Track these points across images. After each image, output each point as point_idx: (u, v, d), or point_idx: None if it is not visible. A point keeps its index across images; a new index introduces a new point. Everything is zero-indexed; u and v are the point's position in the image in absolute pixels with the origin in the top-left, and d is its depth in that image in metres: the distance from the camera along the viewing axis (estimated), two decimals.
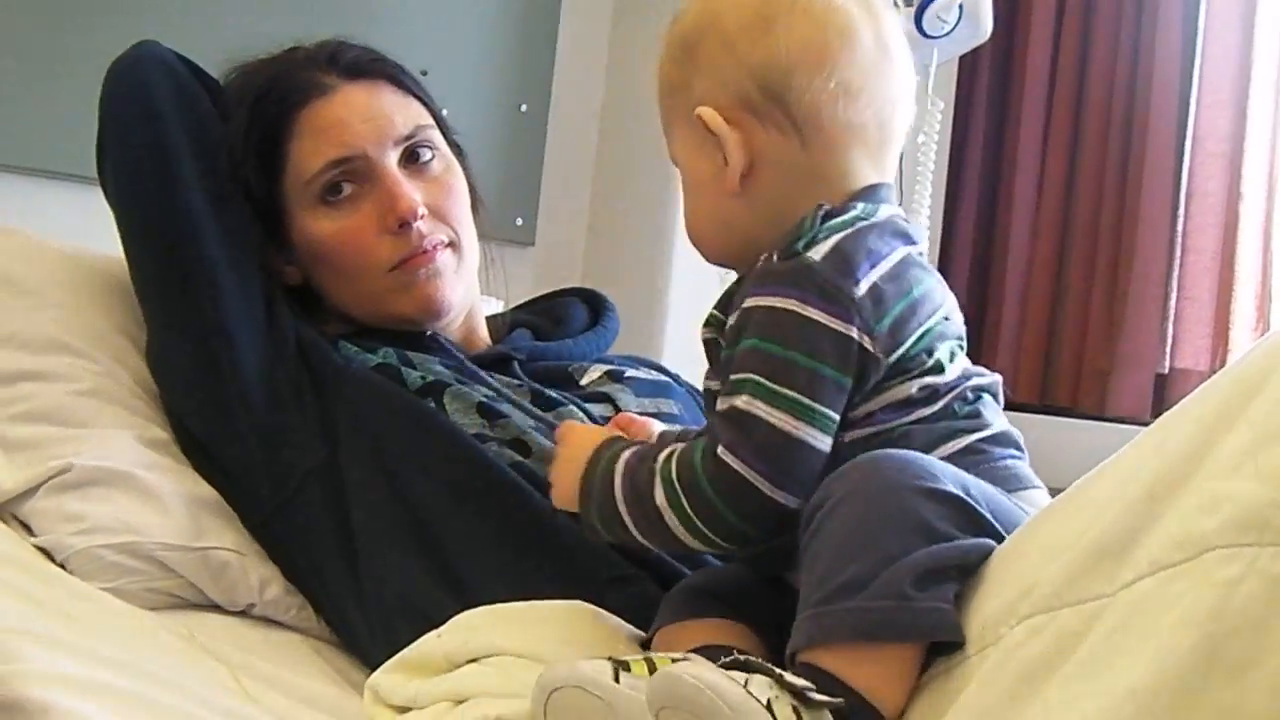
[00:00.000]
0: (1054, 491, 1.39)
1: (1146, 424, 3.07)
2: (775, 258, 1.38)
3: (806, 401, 1.30)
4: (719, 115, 1.41)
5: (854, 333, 1.31)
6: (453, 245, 1.94)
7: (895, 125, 1.46)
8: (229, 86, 1.98)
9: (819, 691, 1.12)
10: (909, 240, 1.41)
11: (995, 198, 3.82)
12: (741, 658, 1.16)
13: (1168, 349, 3.48)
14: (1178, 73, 3.48)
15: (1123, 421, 3.46)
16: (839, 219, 1.38)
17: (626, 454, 1.40)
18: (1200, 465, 0.96)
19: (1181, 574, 0.93)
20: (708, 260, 1.52)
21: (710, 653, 1.27)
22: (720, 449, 1.33)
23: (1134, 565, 0.97)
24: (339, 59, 1.96)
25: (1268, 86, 3.33)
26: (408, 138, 1.93)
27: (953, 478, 1.23)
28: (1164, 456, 1.00)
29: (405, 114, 1.95)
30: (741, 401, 1.32)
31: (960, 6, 2.43)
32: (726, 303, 1.43)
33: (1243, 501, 0.92)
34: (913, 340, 1.35)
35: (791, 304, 1.32)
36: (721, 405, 1.36)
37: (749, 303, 1.36)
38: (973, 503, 1.22)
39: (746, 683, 1.10)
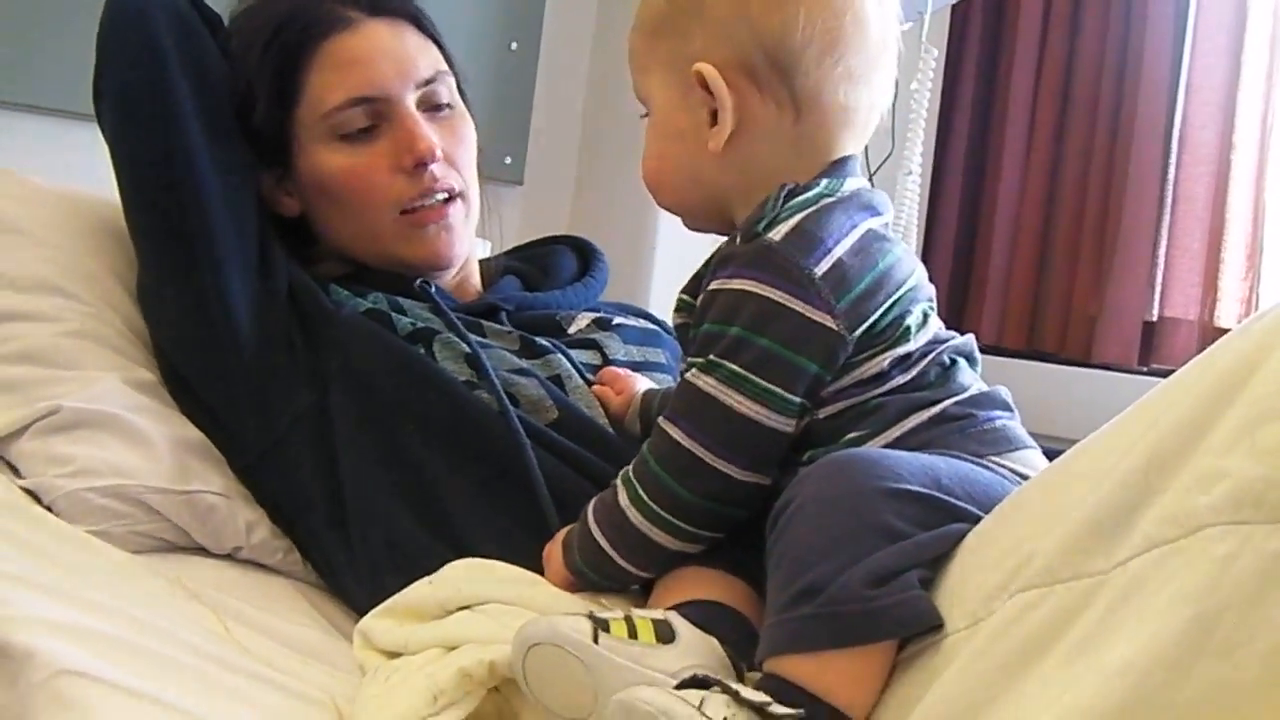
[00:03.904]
0: (1041, 439, 1.39)
1: (1134, 372, 3.10)
2: (738, 240, 1.39)
3: (762, 382, 1.32)
4: (719, 75, 1.40)
5: (815, 313, 1.31)
6: (462, 195, 1.94)
7: (879, 110, 1.47)
8: (238, 17, 1.97)
9: (779, 703, 1.11)
10: (874, 212, 1.41)
11: (985, 145, 3.82)
12: (701, 674, 1.16)
13: (1156, 297, 3.49)
14: (1171, 20, 3.48)
15: (1109, 369, 3.47)
16: (801, 197, 1.38)
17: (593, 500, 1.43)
18: (1197, 441, 0.96)
19: (1176, 551, 0.93)
20: (661, 205, 1.52)
21: (695, 610, 1.28)
22: (662, 420, 1.36)
23: (1129, 542, 0.97)
24: None
25: (1262, 35, 3.33)
26: (428, 81, 1.93)
27: (920, 472, 1.22)
28: (1160, 431, 0.99)
29: (427, 57, 1.96)
30: (696, 379, 1.34)
31: None
32: (695, 286, 1.43)
33: (1239, 478, 0.91)
34: (881, 312, 1.35)
35: (751, 285, 1.33)
36: (678, 384, 1.38)
37: (712, 286, 1.36)
38: (941, 495, 1.21)
39: (702, 703, 1.10)
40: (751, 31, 1.39)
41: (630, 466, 1.40)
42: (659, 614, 1.25)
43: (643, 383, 1.77)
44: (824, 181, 1.40)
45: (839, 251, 1.33)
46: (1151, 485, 0.98)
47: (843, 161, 1.44)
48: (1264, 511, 0.89)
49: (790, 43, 1.39)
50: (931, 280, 1.47)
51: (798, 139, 1.42)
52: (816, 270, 1.31)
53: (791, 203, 1.38)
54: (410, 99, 1.91)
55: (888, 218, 1.44)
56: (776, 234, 1.35)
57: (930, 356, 1.38)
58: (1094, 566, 1.00)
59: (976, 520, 1.20)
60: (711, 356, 1.33)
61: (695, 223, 1.51)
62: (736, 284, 1.34)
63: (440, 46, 2.00)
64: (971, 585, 1.12)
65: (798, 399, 1.32)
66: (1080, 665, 0.95)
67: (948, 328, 1.46)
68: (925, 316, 1.41)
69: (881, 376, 1.35)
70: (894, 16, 1.46)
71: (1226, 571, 0.89)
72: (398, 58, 1.92)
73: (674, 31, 1.45)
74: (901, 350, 1.36)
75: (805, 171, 1.41)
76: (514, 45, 3.40)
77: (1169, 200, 3.48)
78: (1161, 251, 3.49)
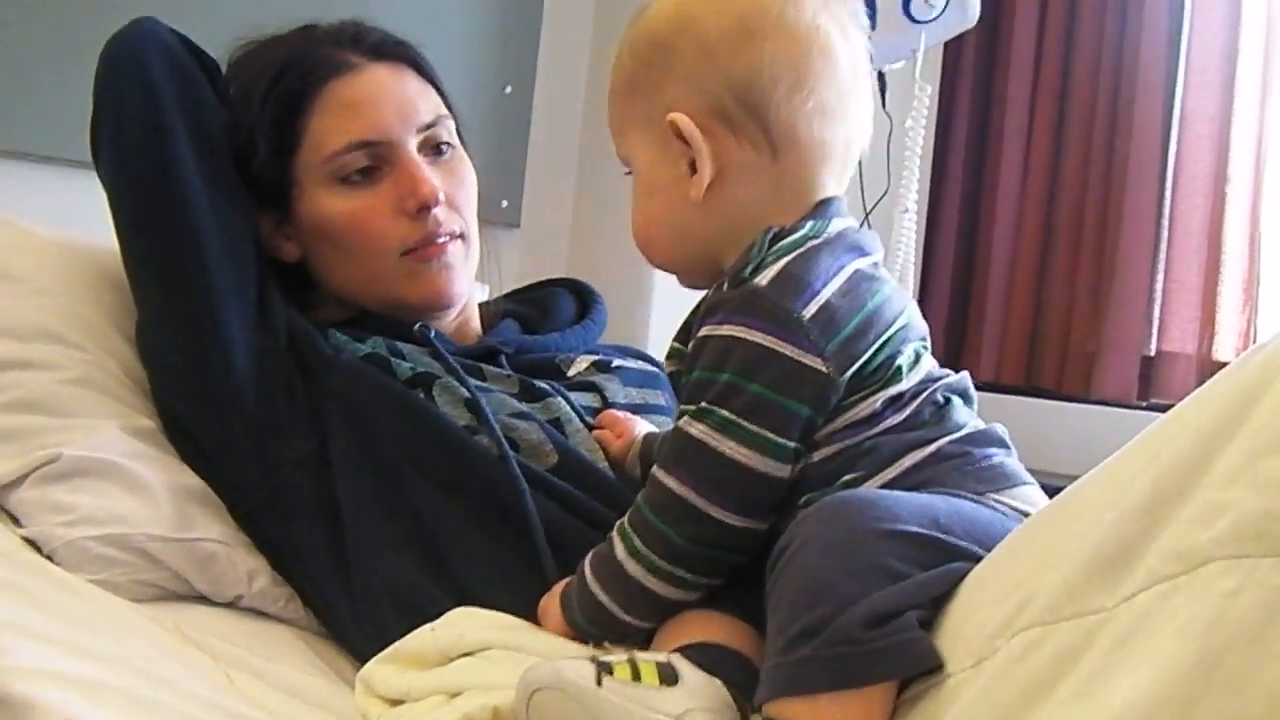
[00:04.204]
0: (1040, 475, 1.39)
1: (1133, 407, 3.09)
2: (725, 285, 1.39)
3: (754, 428, 1.32)
4: (693, 124, 1.40)
5: (804, 356, 1.31)
6: (463, 237, 1.95)
7: (857, 146, 1.48)
8: (236, 62, 1.98)
9: None
10: (862, 252, 1.41)
11: (981, 181, 3.83)
12: (705, 716, 1.16)
13: (1154, 332, 3.49)
14: (1164, 55, 3.49)
15: (1109, 404, 3.47)
16: (787, 240, 1.39)
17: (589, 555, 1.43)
18: (1198, 476, 0.96)
19: (1180, 586, 0.93)
20: (654, 265, 1.53)
21: (698, 652, 1.27)
22: (656, 469, 1.36)
23: (1132, 578, 0.97)
24: (363, 39, 1.97)
25: (1254, 68, 3.34)
26: (429, 125, 1.94)
27: (918, 512, 1.21)
28: (1161, 466, 0.99)
29: (427, 101, 1.96)
30: (688, 426, 1.34)
31: None
32: (686, 333, 1.43)
33: (1241, 512, 0.91)
34: (871, 352, 1.35)
35: (739, 331, 1.33)
36: (671, 432, 1.38)
37: (701, 333, 1.37)
38: (940, 535, 1.20)
39: None
40: (720, 76, 1.40)
41: (625, 518, 1.39)
42: (662, 656, 1.25)
43: (643, 425, 1.77)
44: (809, 224, 1.41)
45: (826, 293, 1.34)
46: (1154, 520, 0.97)
47: (827, 203, 1.44)
48: (1267, 544, 0.89)
49: (758, 82, 1.39)
50: (928, 317, 1.47)
51: (778, 179, 1.42)
52: (804, 313, 1.32)
53: (777, 246, 1.38)
54: (412, 143, 1.91)
55: (876, 257, 1.44)
56: (763, 278, 1.35)
57: (923, 395, 1.38)
58: (1097, 603, 0.99)
59: (977, 559, 1.19)
60: (703, 403, 1.34)
61: (690, 279, 1.50)
62: (725, 330, 1.34)
63: (440, 90, 2.01)
64: (974, 624, 1.11)
65: (791, 443, 1.32)
66: (1085, 705, 0.95)
67: (946, 365, 1.46)
68: (917, 356, 1.41)
69: (875, 417, 1.35)
70: (863, 48, 1.47)
71: (1231, 606, 0.89)
72: (399, 102, 1.92)
73: (646, 88, 1.46)
74: (894, 390, 1.36)
75: (790, 214, 1.42)
76: (509, 89, 3.41)
77: (1165, 234, 3.48)
78: (1158, 286, 3.49)
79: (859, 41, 1.46)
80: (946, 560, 1.19)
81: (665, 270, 1.53)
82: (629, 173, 1.50)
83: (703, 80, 1.41)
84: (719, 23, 1.42)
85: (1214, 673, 0.88)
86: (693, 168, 1.42)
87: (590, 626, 1.41)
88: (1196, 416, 1.00)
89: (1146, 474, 1.00)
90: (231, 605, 1.77)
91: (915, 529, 1.20)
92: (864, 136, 1.48)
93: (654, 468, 1.38)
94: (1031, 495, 1.35)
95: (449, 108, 2.00)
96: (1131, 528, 0.99)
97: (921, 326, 1.45)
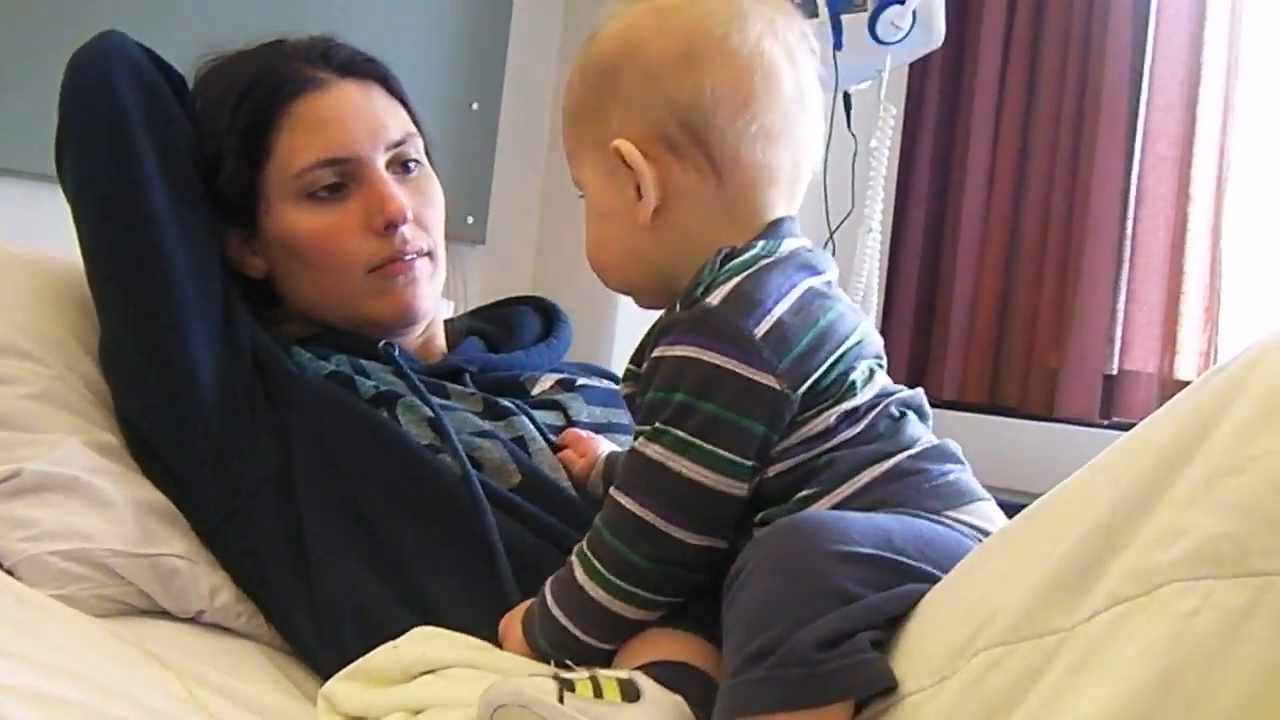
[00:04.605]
0: (1002, 493, 1.40)
1: (1095, 425, 3.11)
2: (678, 306, 1.40)
3: (709, 447, 1.32)
4: (635, 149, 1.41)
5: (757, 374, 1.32)
6: (430, 254, 1.95)
7: (806, 166, 1.48)
8: (203, 77, 1.97)
9: None
10: (814, 271, 1.42)
11: (945, 201, 3.84)
12: None
13: (1116, 351, 3.51)
14: (1127, 75, 3.51)
15: (1071, 423, 3.48)
16: (738, 260, 1.39)
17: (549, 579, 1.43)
18: (1157, 497, 0.96)
19: (1139, 608, 0.94)
20: (610, 287, 1.53)
21: (660, 670, 1.28)
22: (613, 490, 1.37)
23: (1092, 599, 0.98)
24: (332, 56, 1.96)
25: (1216, 89, 3.36)
26: (398, 143, 1.94)
27: (872, 533, 1.22)
28: (1121, 488, 1.00)
29: (396, 119, 1.96)
30: (644, 448, 1.35)
31: (914, 13, 2.43)
32: (640, 355, 1.43)
33: (1199, 534, 0.92)
34: (825, 369, 1.36)
35: (691, 351, 1.34)
36: (627, 453, 1.38)
37: (655, 354, 1.37)
38: (894, 556, 1.21)
39: None
40: (663, 101, 1.41)
41: (584, 541, 1.40)
42: (625, 673, 1.25)
43: (605, 445, 1.77)
44: (760, 243, 1.41)
45: (779, 311, 1.34)
46: (1113, 542, 0.98)
47: (779, 222, 1.45)
48: (1224, 567, 0.90)
49: (700, 107, 1.40)
50: (892, 336, 1.49)
51: (726, 203, 1.43)
52: (756, 331, 1.32)
53: (728, 266, 1.39)
54: (380, 160, 1.91)
55: (829, 276, 1.45)
56: (714, 298, 1.35)
57: (878, 409, 1.38)
58: (1057, 624, 1.00)
59: (932, 580, 1.20)
60: (658, 424, 1.34)
61: (646, 300, 1.51)
62: (678, 350, 1.34)
63: (408, 108, 2.01)
64: (933, 644, 1.12)
65: (748, 461, 1.33)
66: None
67: (909, 384, 1.47)
68: (871, 372, 1.42)
69: (829, 432, 1.36)
70: (811, 71, 1.47)
71: (1188, 628, 0.90)
72: (368, 119, 1.92)
73: (594, 114, 1.47)
74: (848, 405, 1.37)
75: (741, 235, 1.42)
76: (475, 105, 3.41)
77: (1127, 253, 3.49)
78: (1120, 305, 3.50)
79: (806, 64, 1.47)
80: (901, 581, 1.19)
81: (621, 292, 1.54)
82: (582, 196, 1.51)
83: (646, 105, 1.42)
84: (663, 47, 1.43)
85: (1172, 693, 0.89)
86: (639, 192, 1.43)
87: (552, 649, 1.40)
88: (1157, 437, 1.01)
89: (1106, 495, 1.01)
90: (194, 620, 1.76)
91: (869, 550, 1.20)
92: (813, 158, 1.49)
93: (611, 489, 1.38)
94: (988, 511, 1.36)
95: (417, 125, 2.00)
96: (1091, 548, 1.00)
97: (877, 344, 1.46)
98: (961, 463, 1.40)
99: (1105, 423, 3.48)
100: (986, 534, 1.30)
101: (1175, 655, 0.89)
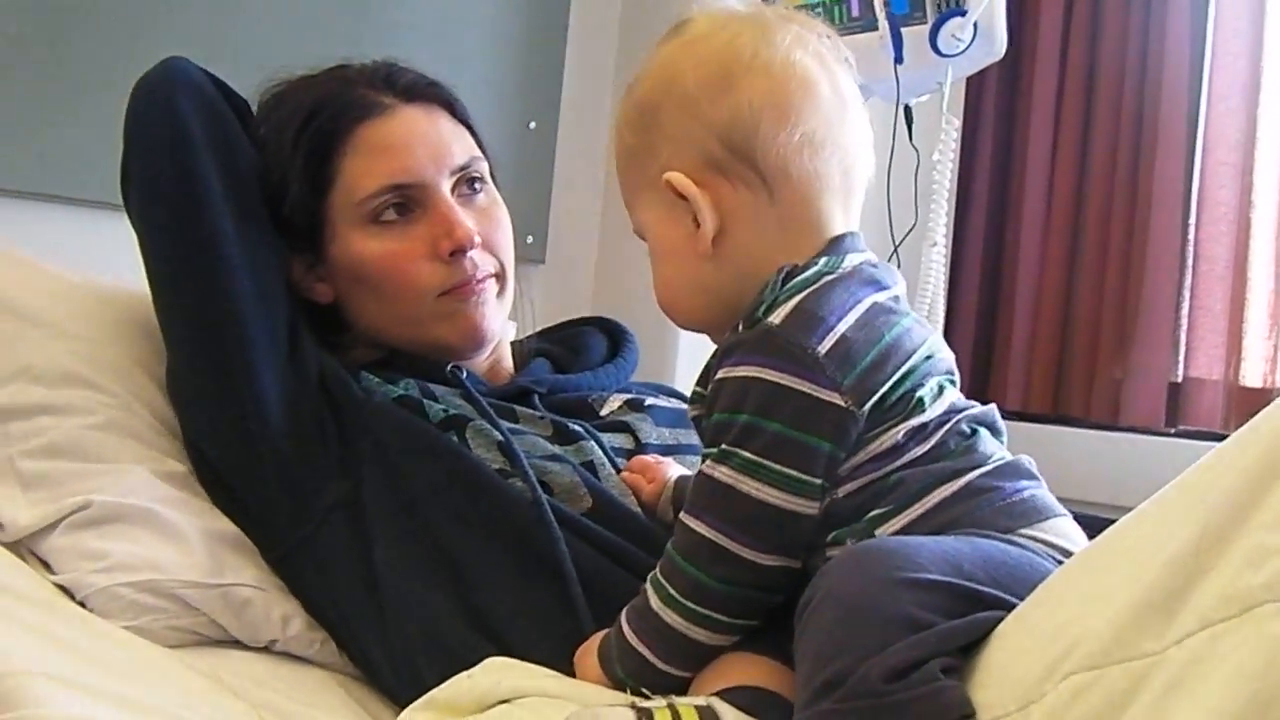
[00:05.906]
0: (1070, 504, 1.38)
1: (1161, 434, 3.08)
2: (740, 327, 1.40)
3: (777, 467, 1.32)
4: (687, 178, 1.42)
5: (821, 391, 1.31)
6: (498, 276, 1.95)
7: (858, 174, 1.48)
8: (266, 103, 1.97)
9: None
10: (879, 286, 1.42)
11: (1005, 212, 3.82)
12: None
13: (1181, 358, 3.48)
14: (1186, 82, 3.48)
15: (1137, 431, 3.46)
16: (800, 278, 1.39)
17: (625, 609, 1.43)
18: (1246, 517, 0.95)
19: (1231, 630, 0.93)
20: (681, 326, 1.54)
21: (737, 695, 1.27)
22: (684, 515, 1.36)
23: (1182, 622, 0.97)
24: (395, 81, 1.96)
25: (1277, 94, 3.33)
26: (463, 168, 1.94)
27: (941, 559, 1.20)
28: (1208, 507, 0.99)
29: (461, 144, 1.96)
30: (712, 470, 1.35)
31: (975, 25, 2.42)
32: (706, 377, 1.43)
33: None
34: (891, 384, 1.35)
35: (754, 371, 1.34)
36: (695, 477, 1.38)
37: (719, 375, 1.37)
38: (963, 582, 1.19)
39: None
40: (705, 126, 1.42)
41: (657, 568, 1.40)
42: (702, 700, 1.25)
43: (674, 469, 1.76)
44: (822, 260, 1.41)
45: (841, 328, 1.34)
46: (1202, 563, 0.97)
47: (841, 239, 1.45)
48: None
49: (741, 123, 1.41)
50: (954, 348, 1.47)
51: (781, 218, 1.43)
52: (820, 348, 1.32)
53: (790, 284, 1.39)
54: (446, 185, 1.91)
55: (896, 290, 1.44)
56: (776, 317, 1.35)
57: (948, 426, 1.38)
58: (1147, 647, 0.99)
59: (1004, 606, 1.18)
60: (724, 445, 1.34)
61: (719, 335, 1.50)
62: (741, 371, 1.34)
63: (473, 131, 2.01)
64: (1018, 669, 1.10)
65: (817, 480, 1.32)
66: None
67: (973, 396, 1.46)
68: (941, 388, 1.41)
69: (897, 449, 1.35)
70: (847, 77, 1.48)
71: None
72: (433, 144, 1.92)
73: (643, 155, 1.48)
74: (916, 421, 1.36)
75: (802, 252, 1.42)
76: (533, 124, 3.41)
77: (1190, 260, 3.47)
78: (1184, 312, 3.48)
79: (840, 71, 1.47)
80: (971, 608, 1.18)
81: (692, 329, 1.54)
82: (646, 240, 1.52)
83: (690, 134, 1.43)
84: (697, 75, 1.44)
85: (1266, 716, 0.87)
86: (697, 222, 1.43)
87: (629, 678, 1.40)
88: (1240, 457, 1.00)
89: (1192, 516, 1.00)
90: (266, 649, 1.76)
91: (937, 577, 1.19)
92: (863, 166, 1.49)
93: (681, 513, 1.38)
94: (1064, 528, 1.34)
95: (482, 149, 2.00)
96: (1179, 571, 0.99)
97: (948, 360, 1.45)
98: (1036, 479, 1.39)
99: (1171, 431, 3.45)
100: (1064, 551, 1.29)
101: (1269, 677, 0.88)
